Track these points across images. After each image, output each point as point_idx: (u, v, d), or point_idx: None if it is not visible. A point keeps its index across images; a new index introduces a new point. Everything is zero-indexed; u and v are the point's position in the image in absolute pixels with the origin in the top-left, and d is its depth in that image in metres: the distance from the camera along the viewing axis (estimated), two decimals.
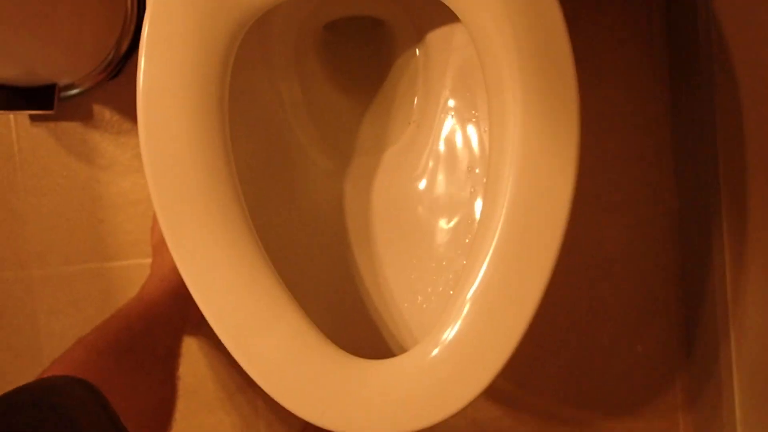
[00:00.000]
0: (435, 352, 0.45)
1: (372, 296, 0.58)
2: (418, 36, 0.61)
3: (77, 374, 0.53)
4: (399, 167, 0.61)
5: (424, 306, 0.56)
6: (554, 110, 0.44)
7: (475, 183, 0.57)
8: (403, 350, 0.53)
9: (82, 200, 0.88)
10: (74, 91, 0.85)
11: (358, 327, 0.57)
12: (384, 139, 0.62)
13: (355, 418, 0.45)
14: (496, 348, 0.45)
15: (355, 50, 0.66)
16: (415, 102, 0.62)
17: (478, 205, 0.56)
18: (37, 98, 0.79)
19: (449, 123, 0.59)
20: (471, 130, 0.58)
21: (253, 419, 0.90)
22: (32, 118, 0.87)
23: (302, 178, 0.61)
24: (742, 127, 0.69)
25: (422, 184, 0.60)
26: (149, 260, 0.87)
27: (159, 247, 0.82)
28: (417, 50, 0.62)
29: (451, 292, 0.52)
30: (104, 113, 0.87)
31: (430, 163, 0.60)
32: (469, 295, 0.45)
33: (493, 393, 0.89)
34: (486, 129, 0.56)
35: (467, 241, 0.56)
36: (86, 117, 0.87)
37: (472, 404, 0.46)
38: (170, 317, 0.72)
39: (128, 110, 0.87)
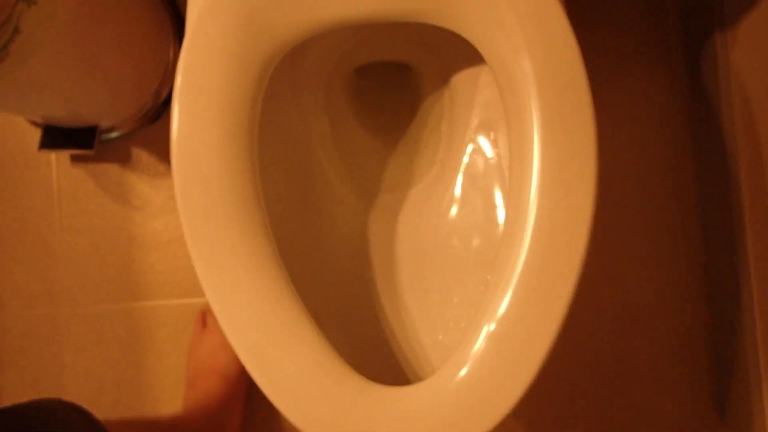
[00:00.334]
0: (453, 381, 0.45)
1: (394, 330, 0.58)
2: (444, 80, 0.63)
3: None
4: (423, 206, 0.62)
5: (446, 342, 0.56)
6: (572, 136, 0.46)
7: (499, 220, 0.57)
8: None
9: (115, 240, 0.90)
10: (114, 134, 0.89)
11: (378, 359, 0.57)
12: (410, 178, 0.64)
13: None
14: (514, 378, 0.45)
15: (383, 93, 0.69)
16: (441, 143, 0.63)
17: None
18: (79, 139, 0.82)
19: (473, 163, 0.60)
20: (494, 169, 0.59)
21: None
22: (73, 158, 0.90)
23: (328, 212, 0.62)
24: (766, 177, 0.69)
25: (446, 222, 0.61)
26: (179, 301, 0.88)
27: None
28: (443, 93, 0.64)
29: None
30: (142, 156, 0.90)
31: (455, 203, 0.61)
32: (489, 325, 0.46)
33: None
34: (508, 167, 0.58)
35: (490, 277, 0.56)
36: (124, 159, 0.90)
37: None
38: None
39: (165, 154, 0.90)
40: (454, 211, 0.61)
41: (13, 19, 0.53)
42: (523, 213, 0.46)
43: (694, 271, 0.85)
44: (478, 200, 0.59)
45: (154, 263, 0.90)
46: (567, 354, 0.85)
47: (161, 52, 0.86)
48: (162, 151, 0.90)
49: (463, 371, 0.45)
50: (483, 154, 0.60)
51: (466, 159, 0.60)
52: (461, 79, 0.61)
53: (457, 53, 0.59)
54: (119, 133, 0.89)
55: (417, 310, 0.58)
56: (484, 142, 0.60)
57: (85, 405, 0.61)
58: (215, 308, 0.47)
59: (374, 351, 0.57)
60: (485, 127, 0.59)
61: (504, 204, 0.57)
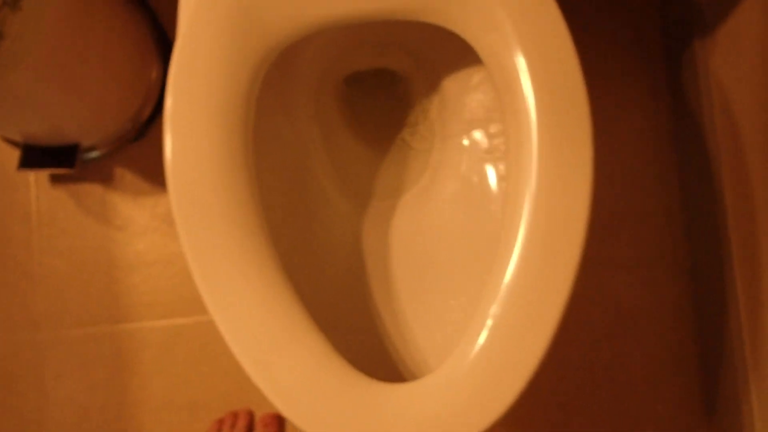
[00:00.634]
0: (454, 377, 0.45)
1: (391, 335, 0.57)
2: (433, 85, 0.63)
3: None
4: (417, 209, 0.62)
5: (443, 343, 0.56)
6: (568, 129, 0.46)
7: (494, 221, 0.57)
8: None
9: (97, 261, 0.88)
10: (95, 154, 0.88)
11: (376, 365, 0.56)
12: (404, 183, 0.64)
13: None
14: (513, 376, 0.45)
15: (373, 102, 0.69)
16: (433, 147, 0.63)
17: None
18: (59, 157, 0.81)
19: (466, 166, 0.60)
20: (488, 170, 0.59)
21: None
22: (53, 179, 0.89)
23: (323, 219, 0.61)
24: (750, 182, 0.70)
25: (441, 226, 0.61)
26: (163, 322, 0.86)
27: None
28: (433, 98, 0.64)
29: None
30: (124, 175, 0.89)
31: (449, 205, 0.61)
32: (488, 324, 0.45)
33: None
34: (503, 168, 0.58)
35: (488, 277, 0.56)
36: (106, 179, 0.89)
37: None
38: None
39: (147, 173, 0.89)
40: (448, 214, 0.61)
41: None
42: (519, 211, 0.46)
43: (681, 277, 0.86)
44: (472, 202, 0.59)
45: (137, 284, 0.88)
46: (557, 360, 0.85)
47: (144, 71, 0.85)
48: (145, 169, 0.89)
49: (463, 369, 0.45)
50: (476, 156, 0.60)
51: (459, 162, 0.61)
52: (451, 83, 0.61)
53: (445, 57, 0.60)
54: (100, 152, 0.88)
55: (414, 313, 0.58)
56: (476, 144, 0.60)
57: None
58: (214, 315, 0.46)
59: (372, 356, 0.57)
60: (477, 130, 0.60)
61: (500, 203, 0.57)
